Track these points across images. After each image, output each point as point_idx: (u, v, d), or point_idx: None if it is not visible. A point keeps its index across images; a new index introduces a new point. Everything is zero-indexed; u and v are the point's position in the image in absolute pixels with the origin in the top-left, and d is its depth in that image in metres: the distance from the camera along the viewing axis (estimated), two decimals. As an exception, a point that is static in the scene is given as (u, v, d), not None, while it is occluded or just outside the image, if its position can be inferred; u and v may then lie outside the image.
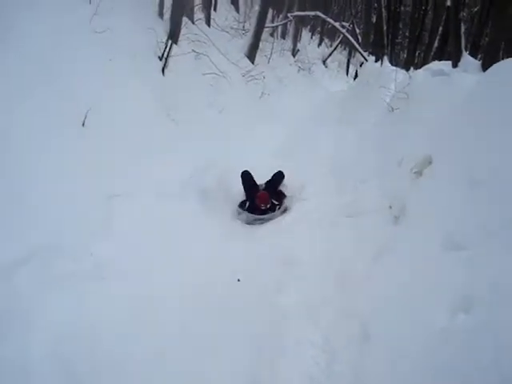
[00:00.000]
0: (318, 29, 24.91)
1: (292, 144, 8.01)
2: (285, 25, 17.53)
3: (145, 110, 4.97)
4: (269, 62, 12.84)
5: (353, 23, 17.93)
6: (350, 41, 15.36)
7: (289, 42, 17.76)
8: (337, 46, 21.01)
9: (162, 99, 5.36)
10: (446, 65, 5.53)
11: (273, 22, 16.23)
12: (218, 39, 8.87)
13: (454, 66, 5.24)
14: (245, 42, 11.19)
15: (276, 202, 5.26)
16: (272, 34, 15.37)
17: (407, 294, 2.67)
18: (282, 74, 12.86)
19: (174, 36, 6.42)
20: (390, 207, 4.03)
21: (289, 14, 16.49)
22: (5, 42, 3.63)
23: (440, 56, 10.03)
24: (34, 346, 2.44)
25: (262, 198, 5.12)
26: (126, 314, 2.97)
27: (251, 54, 10.99)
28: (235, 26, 12.51)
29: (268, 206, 5.16)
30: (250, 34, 11.20)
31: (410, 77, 6.07)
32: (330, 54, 21.10)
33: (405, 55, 16.45)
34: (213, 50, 7.75)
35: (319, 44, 24.22)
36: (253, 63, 10.78)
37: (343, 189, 5.21)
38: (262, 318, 3.24)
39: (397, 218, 3.79)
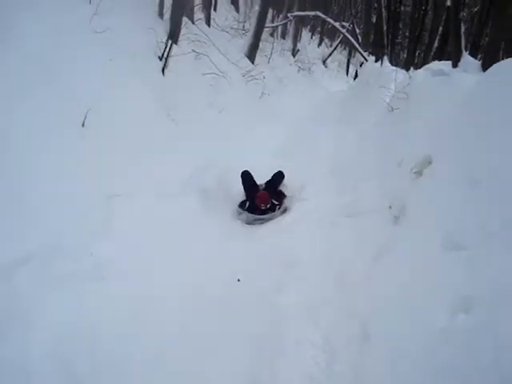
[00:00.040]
0: (318, 29, 24.91)
1: (292, 144, 8.01)
2: (285, 25, 17.53)
3: (145, 110, 4.97)
4: (269, 61, 12.85)
5: (353, 23, 17.93)
6: (349, 41, 15.35)
7: (289, 42, 17.76)
8: (337, 46, 21.02)
9: (162, 99, 5.36)
10: (446, 65, 5.53)
11: (273, 21, 16.24)
12: (217, 39, 8.87)
13: (454, 65, 5.24)
14: (245, 41, 11.19)
15: (276, 202, 5.25)
16: (272, 34, 15.38)
17: (407, 293, 2.67)
18: (281, 73, 12.86)
19: (174, 36, 6.42)
20: (390, 207, 4.03)
21: (289, 14, 16.49)
22: (5, 42, 3.63)
23: (440, 56, 10.02)
24: (34, 346, 2.44)
25: (262, 198, 5.11)
26: (126, 313, 2.97)
27: (251, 54, 10.99)
28: (235, 26, 12.51)
29: (268, 206, 5.16)
30: (249, 34, 11.20)
31: (410, 77, 6.06)
32: (330, 54, 21.10)
33: (405, 55, 16.44)
34: (213, 50, 7.75)
35: (319, 44, 24.22)
36: (253, 63, 10.78)
37: (343, 189, 5.20)
38: (262, 318, 3.24)
39: (397, 217, 3.79)
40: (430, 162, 3.69)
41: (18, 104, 3.34)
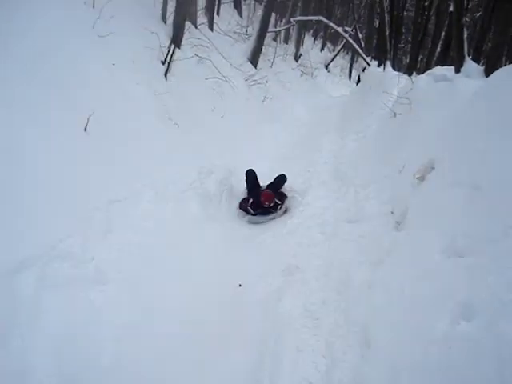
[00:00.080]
0: (321, 33, 24.97)
1: (294, 148, 8.03)
2: (288, 29, 17.55)
3: (147, 114, 4.98)
4: (271, 66, 12.86)
5: (355, 28, 17.93)
6: (352, 45, 15.36)
7: (291, 47, 17.79)
8: (339, 50, 21.06)
9: (164, 103, 5.37)
10: (448, 70, 5.52)
11: (276, 26, 16.27)
12: (220, 43, 8.89)
13: (457, 71, 5.22)
14: (248, 46, 11.20)
15: (278, 202, 5.41)
16: (275, 39, 15.40)
17: (408, 300, 2.66)
18: (284, 78, 12.87)
19: (176, 40, 6.43)
20: (392, 213, 4.03)
21: (291, 19, 16.50)
22: (6, 46, 3.64)
23: (443, 61, 10.04)
24: (34, 351, 2.44)
25: (267, 196, 5.30)
26: (126, 318, 2.97)
27: (254, 59, 11.01)
28: (238, 31, 12.53)
29: (271, 204, 5.34)
30: (252, 39, 11.22)
31: (413, 82, 6.05)
32: (333, 59, 21.12)
33: (407, 60, 16.49)
34: (215, 55, 7.76)
35: (322, 48, 24.25)
36: (255, 67, 10.79)
37: (345, 194, 5.20)
38: (262, 324, 3.24)
39: (398, 223, 3.78)
40: (432, 168, 3.68)
41: (19, 107, 3.34)
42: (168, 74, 5.91)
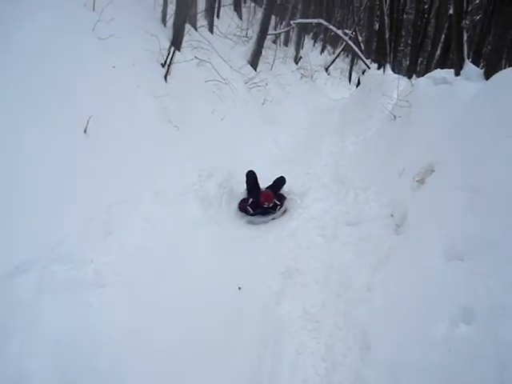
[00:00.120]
0: (321, 36, 25.01)
1: (294, 151, 8.03)
2: (287, 32, 17.58)
3: (147, 117, 4.97)
4: (271, 69, 12.87)
5: (355, 30, 17.96)
6: (352, 48, 15.39)
7: (291, 49, 17.81)
8: (339, 53, 21.07)
9: (164, 106, 5.36)
10: (448, 73, 5.53)
11: (275, 29, 16.27)
12: (220, 46, 8.89)
13: (457, 74, 5.23)
14: (247, 48, 11.20)
15: (278, 203, 5.47)
16: (275, 41, 15.40)
17: (408, 303, 2.66)
18: (284, 81, 12.87)
19: (176, 43, 6.42)
20: (392, 215, 4.02)
21: (291, 22, 16.54)
22: (6, 49, 3.64)
23: (442, 64, 10.06)
24: (33, 356, 2.42)
25: (266, 197, 5.34)
26: (126, 321, 2.96)
27: (254, 61, 11.01)
28: (238, 33, 12.54)
29: (271, 204, 5.39)
30: (252, 41, 11.21)
31: (413, 85, 6.06)
32: (333, 62, 21.14)
33: (407, 63, 16.52)
34: (215, 57, 7.76)
35: (322, 51, 24.29)
36: (255, 70, 10.79)
37: (345, 197, 5.21)
38: (262, 327, 3.23)
39: (398, 226, 3.78)
40: (432, 171, 3.68)
41: (19, 109, 3.34)
42: (168, 77, 5.90)
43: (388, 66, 10.67)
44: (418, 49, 13.07)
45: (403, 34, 17.06)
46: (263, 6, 11.44)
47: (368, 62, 13.66)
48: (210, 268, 3.85)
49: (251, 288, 3.72)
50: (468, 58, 5.40)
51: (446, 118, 4.02)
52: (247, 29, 13.75)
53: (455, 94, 4.56)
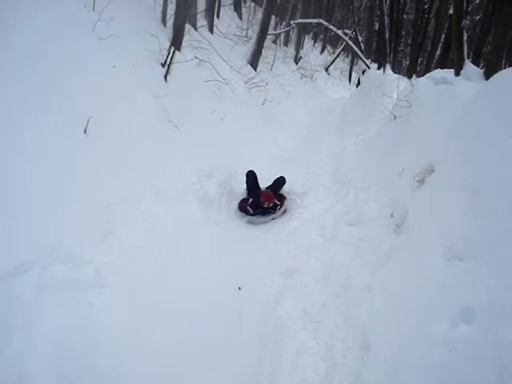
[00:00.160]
0: (321, 36, 25.01)
1: (294, 151, 8.03)
2: (287, 32, 17.58)
3: (147, 117, 4.97)
4: (271, 69, 12.86)
5: (355, 30, 17.95)
6: (352, 48, 15.39)
7: (291, 49, 17.81)
8: (339, 53, 21.07)
9: (164, 106, 5.36)
10: (448, 73, 5.52)
11: (275, 29, 16.27)
12: (220, 46, 8.89)
13: (457, 74, 5.23)
14: (247, 48, 11.20)
15: (278, 203, 5.48)
16: (275, 41, 15.39)
17: (408, 303, 2.66)
18: (284, 81, 12.87)
19: (176, 43, 6.42)
20: (392, 215, 4.02)
21: (291, 22, 16.53)
22: (6, 49, 3.64)
23: (442, 64, 10.06)
24: (33, 356, 2.42)
25: (266, 196, 5.35)
26: (126, 321, 2.96)
27: (254, 61, 11.00)
28: (238, 33, 12.54)
29: (271, 204, 5.40)
30: (252, 41, 11.21)
31: (413, 85, 6.06)
32: (333, 62, 21.14)
33: (407, 63, 16.52)
34: (215, 57, 7.75)
35: (322, 51, 24.29)
36: (255, 70, 10.78)
37: (345, 197, 5.21)
38: (262, 327, 3.23)
39: (398, 226, 3.78)
40: (432, 171, 3.68)
41: (19, 109, 3.34)
42: (168, 77, 5.90)
43: (388, 66, 10.67)
44: (418, 49, 13.06)
45: (403, 34, 17.06)
46: (263, 6, 11.44)
47: (368, 62, 13.66)
48: (210, 268, 3.85)
49: (251, 288, 3.72)
50: (468, 58, 5.40)
51: (446, 118, 4.02)
52: (247, 29, 13.75)
53: (455, 93, 4.56)
